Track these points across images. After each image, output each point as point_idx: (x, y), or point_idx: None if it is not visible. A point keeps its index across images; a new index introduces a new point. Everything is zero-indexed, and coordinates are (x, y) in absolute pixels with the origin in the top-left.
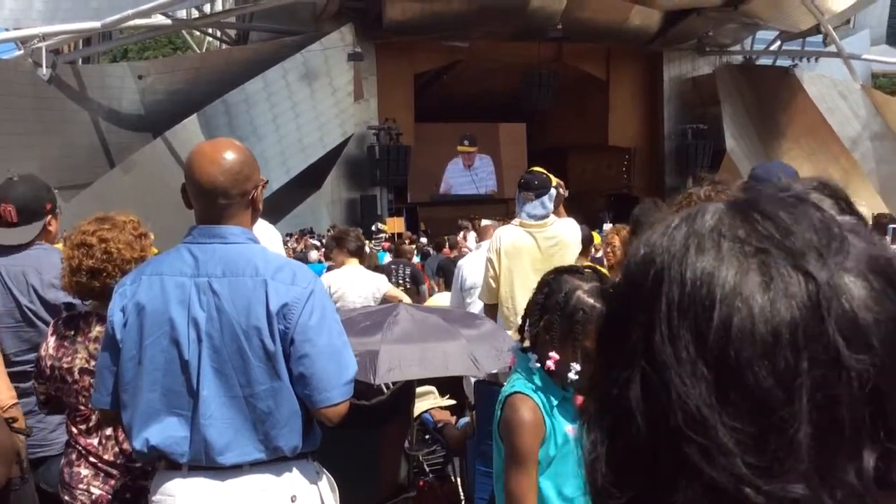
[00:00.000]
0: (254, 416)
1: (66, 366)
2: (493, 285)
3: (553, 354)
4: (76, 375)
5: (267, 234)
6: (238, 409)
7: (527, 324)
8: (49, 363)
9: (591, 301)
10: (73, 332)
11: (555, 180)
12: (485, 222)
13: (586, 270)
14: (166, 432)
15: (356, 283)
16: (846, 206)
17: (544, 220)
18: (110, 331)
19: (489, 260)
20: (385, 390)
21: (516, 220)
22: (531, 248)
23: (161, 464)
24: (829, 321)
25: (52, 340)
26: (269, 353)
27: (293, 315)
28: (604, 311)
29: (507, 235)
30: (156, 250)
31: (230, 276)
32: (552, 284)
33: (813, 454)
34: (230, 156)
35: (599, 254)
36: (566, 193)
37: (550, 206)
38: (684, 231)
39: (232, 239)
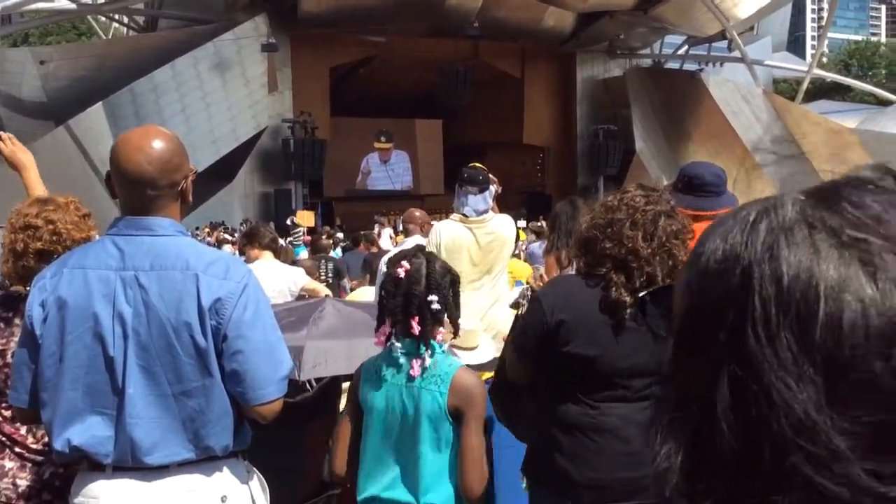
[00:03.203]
0: (183, 415)
1: (0, 348)
2: None
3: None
4: (9, 359)
5: None
6: (166, 407)
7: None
8: None
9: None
10: (11, 314)
11: (491, 177)
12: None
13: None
14: (89, 432)
15: (270, 277)
16: None
17: (484, 214)
18: (28, 326)
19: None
20: (309, 387)
21: (455, 216)
22: (471, 243)
23: (84, 465)
24: None
25: None
26: (199, 350)
27: (226, 310)
28: (676, 322)
29: (448, 230)
30: (95, 233)
31: (159, 269)
32: None
33: None
34: (159, 144)
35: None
36: (500, 190)
37: (491, 201)
38: (766, 225)
39: (160, 231)
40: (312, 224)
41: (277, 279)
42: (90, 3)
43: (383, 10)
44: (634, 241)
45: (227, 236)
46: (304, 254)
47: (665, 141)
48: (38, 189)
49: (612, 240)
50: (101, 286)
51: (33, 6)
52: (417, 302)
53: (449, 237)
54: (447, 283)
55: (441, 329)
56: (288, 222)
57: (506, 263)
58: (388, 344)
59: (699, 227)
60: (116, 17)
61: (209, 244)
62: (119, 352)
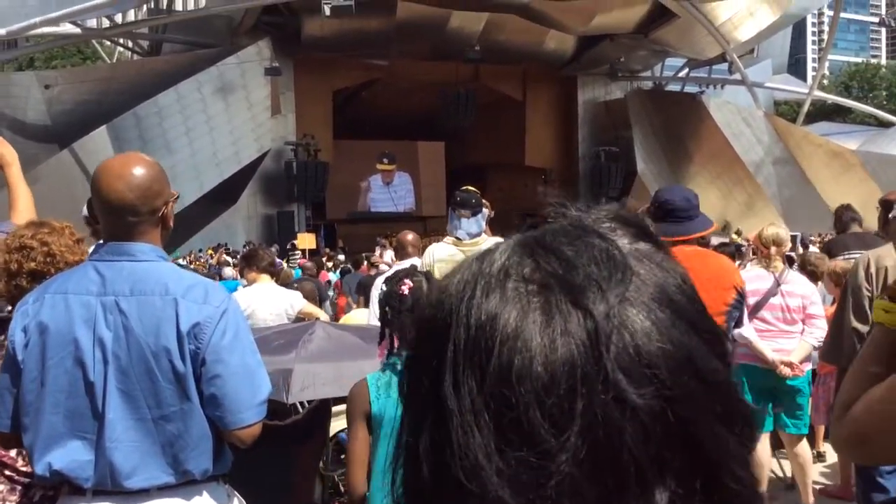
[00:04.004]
0: (162, 439)
1: None
2: None
3: None
4: None
5: None
6: (146, 431)
7: None
8: None
9: None
10: (2, 337)
11: (484, 200)
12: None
13: None
14: (70, 456)
15: (267, 300)
16: (642, 233)
17: (477, 237)
18: (11, 351)
19: None
20: (301, 409)
21: (449, 238)
22: None
23: (64, 488)
24: (607, 357)
25: None
26: (178, 375)
27: (205, 335)
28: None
29: (441, 253)
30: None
31: (139, 294)
32: None
33: (597, 498)
34: (139, 171)
35: None
36: (492, 213)
37: (484, 224)
38: (473, 271)
39: (141, 256)
40: (314, 246)
41: (274, 302)
42: (95, 27)
43: (385, 34)
44: None
45: (228, 258)
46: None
47: (666, 163)
48: (20, 186)
49: None
50: (82, 311)
51: (39, 31)
52: None
53: (442, 260)
54: None
55: None
56: (288, 246)
57: None
58: (391, 357)
59: (672, 252)
60: (121, 41)
61: (211, 266)
62: (99, 376)
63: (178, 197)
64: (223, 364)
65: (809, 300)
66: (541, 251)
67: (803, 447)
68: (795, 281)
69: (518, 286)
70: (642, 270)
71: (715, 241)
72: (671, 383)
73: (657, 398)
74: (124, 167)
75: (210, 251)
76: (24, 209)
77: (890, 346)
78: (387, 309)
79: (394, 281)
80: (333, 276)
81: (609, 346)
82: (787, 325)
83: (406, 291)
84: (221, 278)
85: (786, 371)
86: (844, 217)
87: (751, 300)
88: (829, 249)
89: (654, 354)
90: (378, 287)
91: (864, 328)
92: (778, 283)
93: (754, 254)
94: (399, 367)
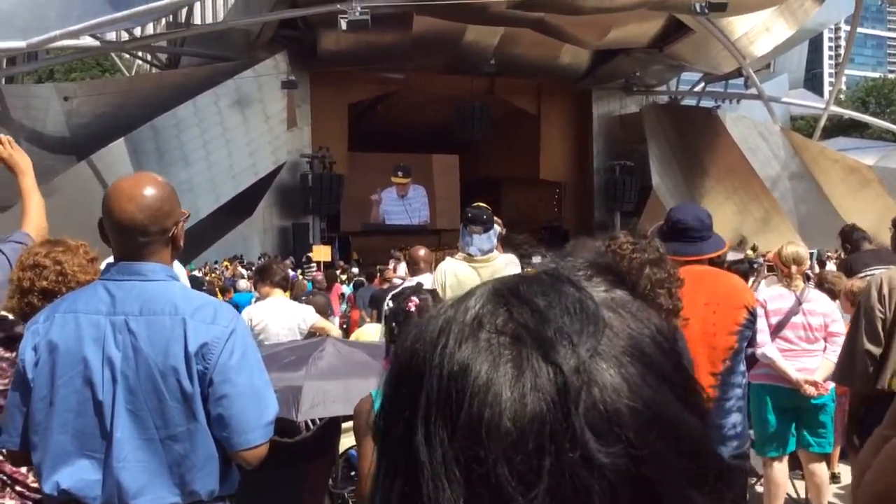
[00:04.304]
0: (169, 459)
1: (1, 387)
2: None
3: None
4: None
5: None
6: (153, 451)
7: None
8: None
9: None
10: (13, 355)
11: (496, 218)
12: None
13: None
14: (78, 475)
15: (280, 315)
16: (619, 280)
17: (489, 254)
18: (21, 370)
19: None
20: (312, 426)
21: (460, 255)
22: (475, 282)
23: None
24: (575, 415)
25: None
26: (186, 395)
27: (212, 355)
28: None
29: (452, 269)
30: None
31: (148, 314)
32: None
33: None
34: (150, 192)
35: None
36: (504, 231)
37: (495, 240)
38: (447, 318)
39: (151, 276)
40: (329, 259)
41: (287, 316)
42: (114, 40)
43: (401, 48)
44: None
45: (243, 271)
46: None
47: (682, 177)
48: (34, 195)
49: None
50: (91, 331)
51: (59, 43)
52: None
53: (454, 276)
54: None
55: None
56: (303, 259)
57: None
58: None
59: (683, 272)
60: (140, 54)
61: (227, 278)
62: (108, 396)
63: (188, 216)
64: (230, 384)
65: (831, 318)
66: (514, 301)
67: (821, 468)
68: (817, 299)
69: (490, 337)
70: (615, 322)
71: (731, 256)
72: (639, 442)
73: (625, 457)
74: (135, 188)
75: (226, 263)
76: (35, 218)
77: None
78: (393, 325)
79: (400, 298)
80: (347, 289)
81: (578, 403)
82: (809, 344)
83: (413, 308)
84: (236, 290)
85: (810, 391)
86: (854, 236)
87: (773, 319)
88: (850, 267)
89: (622, 412)
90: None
91: (877, 350)
92: (800, 302)
93: (770, 270)
94: None
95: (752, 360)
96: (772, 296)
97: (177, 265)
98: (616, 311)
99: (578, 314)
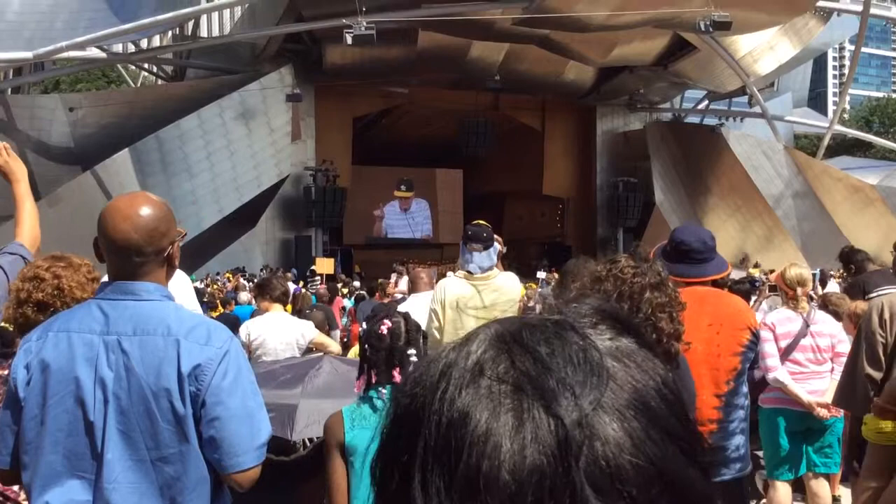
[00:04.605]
0: (160, 481)
1: None
2: (437, 336)
3: None
4: None
5: (176, 281)
6: (144, 472)
7: None
8: None
9: None
10: (6, 372)
11: (496, 236)
12: (423, 273)
13: None
14: (68, 496)
15: (278, 330)
16: (625, 328)
17: (489, 272)
18: (13, 388)
19: (433, 311)
20: (308, 444)
21: (461, 272)
22: (475, 300)
23: None
24: (576, 470)
25: None
26: (178, 416)
27: (205, 376)
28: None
29: (452, 287)
30: None
31: (141, 334)
32: None
33: None
34: (145, 212)
35: (531, 304)
36: (504, 249)
37: (495, 258)
38: (449, 362)
39: (145, 296)
40: (332, 271)
41: (286, 332)
42: (121, 52)
43: (406, 63)
44: None
45: (245, 282)
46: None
47: (685, 194)
48: (27, 204)
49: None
50: (84, 350)
51: (65, 54)
52: (399, 355)
53: (454, 295)
54: (420, 337)
55: None
56: (308, 273)
57: None
58: (369, 391)
59: (685, 293)
60: (146, 66)
61: (228, 291)
62: (99, 416)
63: (185, 235)
64: (223, 406)
65: (837, 339)
66: (517, 348)
67: (825, 489)
68: (823, 320)
69: (491, 385)
70: (620, 373)
71: (734, 274)
72: (642, 499)
73: None
74: (130, 207)
75: (228, 275)
76: (28, 227)
77: (888, 460)
78: (366, 346)
79: (374, 320)
80: (348, 303)
81: (579, 458)
82: (818, 366)
83: (384, 331)
84: (237, 303)
85: (823, 413)
86: (858, 257)
87: (782, 343)
88: (862, 288)
89: (624, 468)
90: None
91: (877, 375)
92: (807, 324)
93: (772, 290)
94: (376, 402)
95: (760, 384)
96: (780, 319)
97: (182, 276)
98: (621, 361)
99: (582, 364)
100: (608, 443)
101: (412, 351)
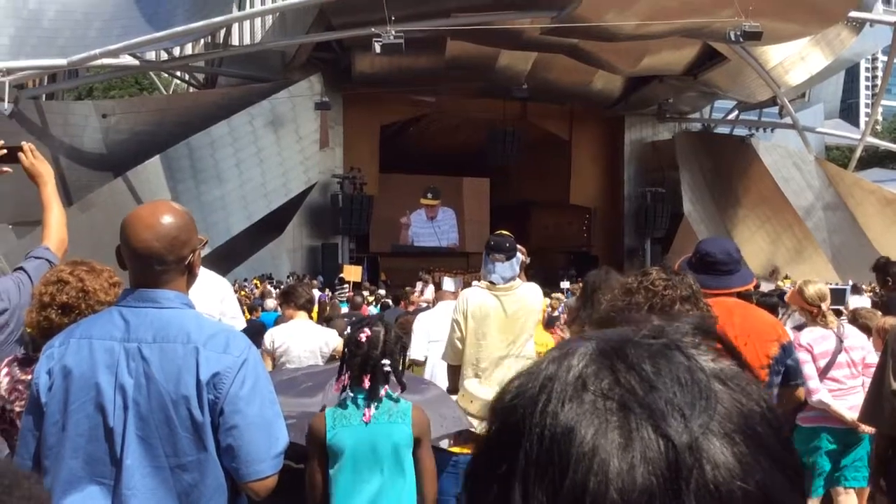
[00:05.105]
0: (178, 488)
1: (17, 409)
2: (459, 346)
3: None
4: None
5: (216, 286)
6: (162, 479)
7: None
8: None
9: None
10: (30, 377)
11: (519, 246)
12: (446, 286)
13: None
14: (87, 501)
15: (302, 338)
16: (726, 349)
17: (512, 282)
18: (35, 394)
19: (455, 321)
20: None
21: (482, 283)
22: (497, 310)
23: None
24: (686, 493)
25: (5, 382)
26: (196, 424)
27: (224, 385)
28: (473, 454)
29: (475, 297)
30: None
31: (161, 341)
32: None
33: None
34: (167, 220)
35: (556, 313)
36: (528, 260)
37: (518, 268)
38: (549, 375)
39: (166, 304)
40: (359, 279)
41: (310, 340)
42: (153, 59)
43: (434, 72)
44: None
45: (272, 289)
46: (345, 310)
47: (714, 205)
48: (54, 206)
49: (630, 323)
50: (105, 357)
51: (99, 62)
52: (372, 363)
53: (476, 305)
54: (398, 349)
55: (386, 386)
56: (336, 281)
57: (532, 332)
58: (345, 393)
59: (712, 304)
60: (178, 73)
61: (255, 298)
62: (119, 422)
63: (206, 243)
64: (241, 415)
65: (868, 350)
66: (621, 365)
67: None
68: (853, 334)
69: (596, 400)
70: (726, 396)
71: (765, 287)
72: None
73: None
74: (152, 216)
75: (256, 281)
76: (55, 231)
77: None
78: (345, 350)
79: (355, 327)
80: (373, 311)
81: (689, 481)
82: (853, 381)
83: (363, 339)
84: (264, 309)
85: (868, 428)
86: (894, 269)
87: (821, 362)
88: (888, 306)
89: (734, 494)
90: (420, 321)
91: None
92: (841, 340)
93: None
94: (358, 402)
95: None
96: (815, 338)
97: (223, 282)
98: (726, 384)
99: (689, 386)
100: (718, 467)
101: (386, 361)
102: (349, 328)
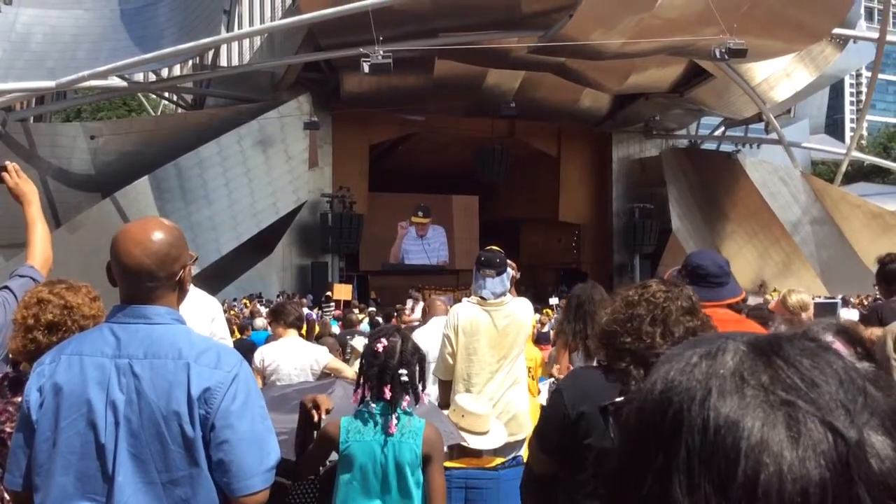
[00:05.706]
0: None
1: (8, 430)
2: (450, 361)
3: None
4: None
5: (207, 306)
6: (154, 495)
7: None
8: None
9: None
10: (19, 399)
11: (509, 261)
12: (438, 301)
13: None
14: None
15: (292, 356)
16: (863, 350)
17: (502, 297)
18: (26, 411)
19: (446, 336)
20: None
21: (473, 298)
22: (488, 325)
23: None
24: (859, 484)
25: None
26: (188, 439)
27: (215, 400)
28: (616, 450)
29: (465, 313)
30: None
31: (152, 357)
32: None
33: None
34: (157, 237)
35: (545, 329)
36: (518, 275)
37: (508, 283)
38: (704, 370)
39: (156, 319)
40: (349, 297)
41: (300, 357)
42: (141, 81)
43: (422, 91)
44: (653, 337)
45: (261, 308)
46: (336, 328)
47: (702, 220)
48: (38, 225)
49: (632, 335)
50: (96, 373)
51: (87, 83)
52: (391, 374)
53: (466, 320)
54: (416, 360)
55: (407, 397)
56: (322, 298)
57: (523, 347)
58: (363, 405)
59: None
60: (166, 94)
61: (244, 317)
62: (110, 439)
63: (196, 259)
64: (232, 430)
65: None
66: (779, 362)
67: None
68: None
69: (757, 394)
70: (878, 395)
71: (752, 301)
72: None
73: None
74: (142, 233)
75: (245, 301)
76: (39, 249)
77: None
78: (362, 362)
79: (373, 338)
80: (365, 328)
81: (860, 473)
82: None
83: (381, 349)
84: (254, 328)
85: None
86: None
87: None
88: (880, 315)
89: None
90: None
91: None
92: None
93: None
94: (374, 415)
95: None
96: None
97: (212, 301)
98: (874, 383)
99: (847, 384)
100: (884, 461)
101: (403, 371)
102: (366, 339)
